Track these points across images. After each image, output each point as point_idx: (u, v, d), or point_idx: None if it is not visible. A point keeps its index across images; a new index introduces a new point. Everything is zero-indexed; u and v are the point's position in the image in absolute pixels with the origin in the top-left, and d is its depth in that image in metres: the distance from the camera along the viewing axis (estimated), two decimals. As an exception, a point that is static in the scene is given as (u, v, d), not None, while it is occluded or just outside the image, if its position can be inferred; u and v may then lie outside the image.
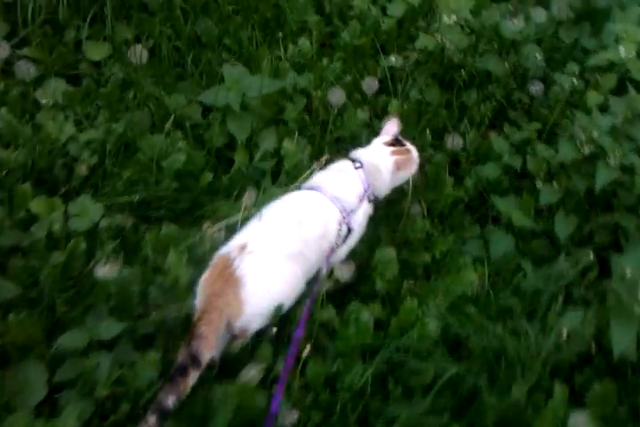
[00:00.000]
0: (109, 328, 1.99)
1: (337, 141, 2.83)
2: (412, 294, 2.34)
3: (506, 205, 2.57)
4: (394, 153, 2.48)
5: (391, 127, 2.61)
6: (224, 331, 1.87)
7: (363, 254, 2.43)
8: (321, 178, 2.38)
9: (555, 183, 2.55)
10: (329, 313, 2.16)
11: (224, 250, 2.03)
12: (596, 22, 3.18)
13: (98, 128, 2.61)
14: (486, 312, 2.37)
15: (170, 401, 1.70)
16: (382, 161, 2.45)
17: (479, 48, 3.06)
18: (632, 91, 2.53)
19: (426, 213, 2.67)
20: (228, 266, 1.95)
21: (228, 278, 1.92)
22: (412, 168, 2.54)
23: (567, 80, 2.98)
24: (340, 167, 2.43)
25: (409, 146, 2.57)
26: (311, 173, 2.43)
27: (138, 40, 2.95)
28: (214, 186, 2.57)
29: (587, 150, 2.38)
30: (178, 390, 1.72)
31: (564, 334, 2.15)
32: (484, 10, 3.24)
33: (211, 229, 2.22)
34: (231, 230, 2.24)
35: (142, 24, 2.98)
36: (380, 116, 3.08)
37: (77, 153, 2.57)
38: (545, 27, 3.17)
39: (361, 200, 2.34)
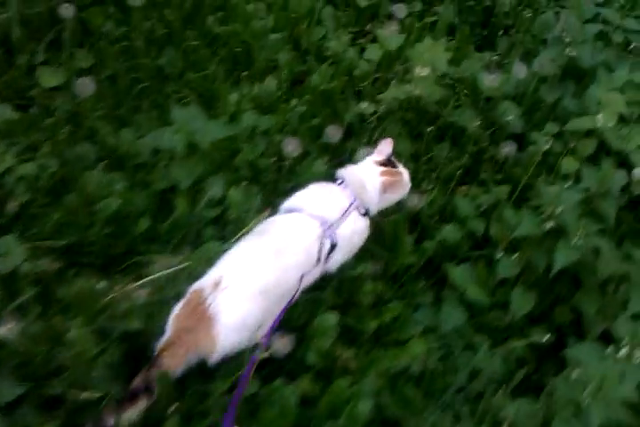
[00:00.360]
0: (9, 390, 1.86)
1: (292, 190, 2.66)
2: (349, 367, 2.17)
3: (461, 277, 2.41)
4: (383, 173, 2.42)
5: (385, 147, 2.53)
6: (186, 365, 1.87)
7: (300, 319, 2.25)
8: (300, 198, 2.32)
9: (516, 255, 2.37)
10: (253, 388, 1.99)
11: (199, 284, 1.99)
12: (582, 81, 3.03)
13: (35, 162, 2.44)
14: (429, 392, 2.20)
15: (110, 422, 1.71)
16: (370, 180, 2.39)
17: (454, 101, 2.90)
18: (607, 163, 2.36)
19: (379, 275, 2.50)
20: (201, 302, 1.92)
21: (201, 316, 1.90)
22: (401, 192, 2.48)
23: (544, 141, 2.82)
24: (321, 185, 2.38)
25: (401, 169, 2.50)
26: (255, 225, 2.27)
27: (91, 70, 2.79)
28: (153, 232, 2.40)
29: (548, 226, 2.21)
30: (122, 413, 1.73)
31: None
32: (466, 59, 3.11)
33: (132, 287, 2.06)
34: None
35: (101, 52, 2.83)
36: (344, 165, 2.93)
37: (12, 187, 2.41)
38: (527, 82, 3.03)
39: (346, 213, 2.27)
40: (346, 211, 2.28)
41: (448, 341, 2.37)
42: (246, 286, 1.98)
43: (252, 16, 3.15)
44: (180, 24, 3.03)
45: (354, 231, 2.31)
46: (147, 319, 2.09)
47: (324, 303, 2.34)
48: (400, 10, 3.20)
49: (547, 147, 2.74)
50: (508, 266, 2.38)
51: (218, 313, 1.90)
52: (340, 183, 2.37)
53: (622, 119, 2.81)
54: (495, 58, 3.31)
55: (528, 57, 3.31)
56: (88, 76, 2.49)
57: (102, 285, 2.15)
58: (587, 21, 3.16)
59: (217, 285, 1.94)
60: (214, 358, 1.92)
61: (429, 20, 3.36)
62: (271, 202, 2.52)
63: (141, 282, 2.11)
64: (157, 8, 3.00)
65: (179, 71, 2.94)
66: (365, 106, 2.99)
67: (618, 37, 2.94)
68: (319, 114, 2.94)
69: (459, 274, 2.41)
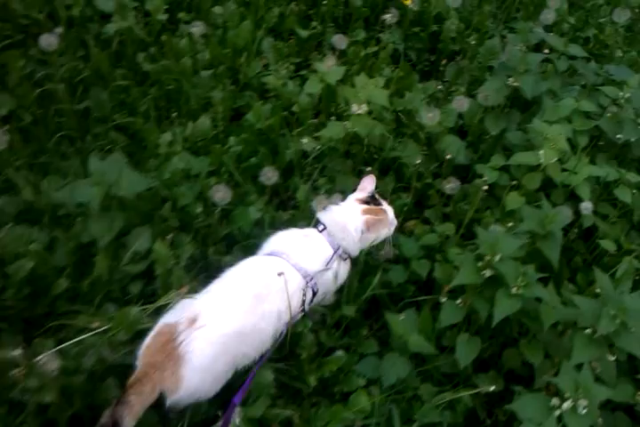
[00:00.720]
0: None
1: (225, 238, 2.54)
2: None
3: (403, 326, 2.28)
4: (366, 212, 2.33)
5: (368, 184, 2.44)
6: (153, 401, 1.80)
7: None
8: (284, 243, 2.25)
9: (459, 300, 2.25)
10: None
11: (172, 317, 1.93)
12: (528, 111, 2.94)
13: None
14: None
15: None
16: (351, 220, 2.30)
17: (394, 136, 2.79)
18: (546, 204, 2.26)
19: (319, 323, 2.41)
20: (172, 339, 1.85)
21: (170, 353, 1.84)
22: (385, 231, 2.38)
23: (491, 174, 2.73)
24: (304, 232, 2.31)
25: (385, 206, 2.41)
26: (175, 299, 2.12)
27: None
28: (73, 292, 2.26)
29: (487, 274, 2.09)
30: None
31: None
32: (409, 91, 3.01)
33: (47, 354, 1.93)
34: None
35: (22, 97, 2.69)
36: (285, 204, 2.82)
37: None
38: (472, 114, 2.93)
39: (329, 263, 2.23)
40: (329, 261, 2.23)
41: (393, 392, 2.25)
42: (222, 328, 1.92)
43: (185, 51, 3.02)
44: (108, 63, 2.89)
45: (335, 277, 2.27)
46: (63, 390, 1.96)
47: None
48: (340, 41, 3.09)
49: (495, 179, 2.64)
50: (451, 312, 2.26)
51: (188, 353, 1.84)
52: (322, 229, 2.30)
53: (572, 147, 2.74)
54: (440, 87, 3.20)
55: (475, 85, 3.24)
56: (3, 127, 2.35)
57: (17, 353, 2.01)
58: (534, 46, 3.08)
59: (193, 321, 1.88)
60: (174, 399, 1.85)
61: (372, 49, 3.26)
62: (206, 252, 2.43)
63: (57, 348, 1.96)
64: (83, 47, 2.87)
65: (106, 113, 2.80)
66: (306, 142, 2.87)
67: (562, 65, 2.85)
68: (257, 153, 2.81)
69: (400, 323, 2.28)
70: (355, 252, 2.34)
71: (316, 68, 2.86)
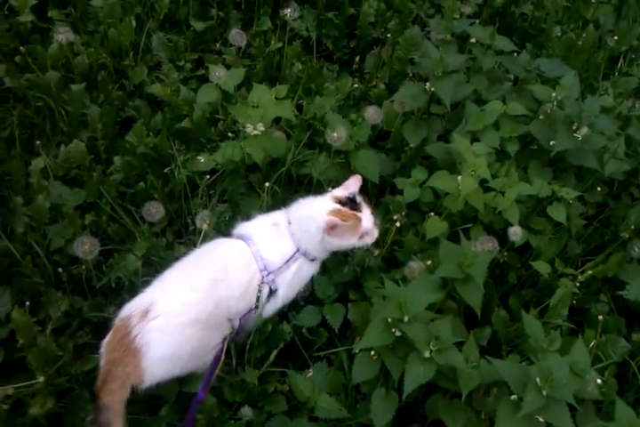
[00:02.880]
0: None
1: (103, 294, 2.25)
2: None
3: (310, 387, 2.04)
4: (333, 213, 2.09)
5: (352, 184, 2.20)
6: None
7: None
8: (254, 226, 2.17)
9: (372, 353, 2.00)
10: None
11: (126, 311, 1.91)
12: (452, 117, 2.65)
13: None
14: None
15: None
16: (314, 218, 2.10)
17: (300, 152, 2.48)
18: (465, 242, 1.99)
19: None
20: (127, 333, 1.85)
21: (128, 347, 1.84)
22: (352, 240, 2.14)
23: (411, 192, 2.45)
24: (276, 219, 2.18)
25: (362, 213, 2.15)
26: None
27: None
28: None
29: (397, 333, 1.84)
30: None
31: None
32: (319, 96, 2.69)
33: None
34: None
35: None
36: (183, 234, 2.51)
37: None
38: (391, 119, 2.63)
39: (289, 261, 2.11)
40: (289, 260, 2.11)
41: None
42: (178, 316, 1.90)
43: (55, 59, 2.63)
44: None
45: (296, 278, 2.16)
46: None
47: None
48: (239, 37, 2.71)
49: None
50: (365, 366, 2.00)
51: (145, 345, 1.84)
52: (289, 222, 2.15)
53: (501, 154, 2.47)
54: (357, 86, 2.87)
55: (398, 78, 2.92)
56: None
57: None
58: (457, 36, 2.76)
59: (145, 313, 1.86)
60: (145, 387, 1.88)
61: (277, 46, 2.91)
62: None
63: None
64: None
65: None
66: (202, 161, 2.54)
67: (488, 62, 2.53)
68: (144, 177, 2.49)
69: (306, 383, 2.03)
70: (318, 254, 2.18)
71: (209, 75, 2.50)
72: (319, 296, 2.31)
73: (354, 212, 2.13)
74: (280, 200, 2.44)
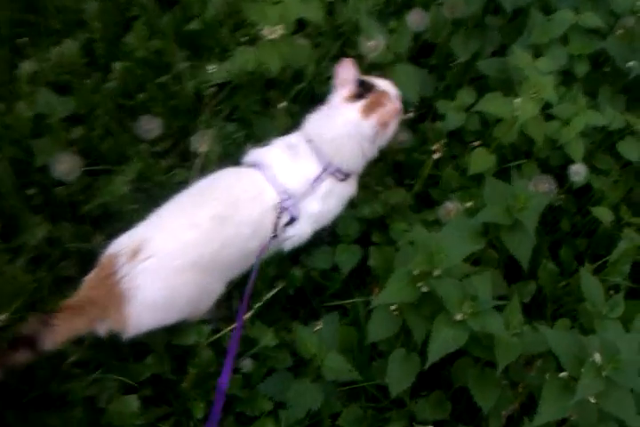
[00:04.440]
0: None
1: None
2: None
3: (317, 343, 1.73)
4: (366, 110, 1.81)
5: (346, 73, 1.88)
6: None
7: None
8: (266, 151, 1.86)
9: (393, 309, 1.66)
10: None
11: (114, 247, 1.65)
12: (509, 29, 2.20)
13: None
14: None
15: None
16: (350, 130, 1.82)
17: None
18: (517, 180, 1.61)
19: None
20: (113, 273, 1.59)
21: (111, 289, 1.59)
22: (396, 120, 1.88)
23: (455, 117, 2.06)
24: (291, 141, 1.87)
25: (380, 84, 1.88)
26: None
27: None
28: None
29: (425, 289, 1.50)
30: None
31: None
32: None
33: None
34: None
35: None
36: (186, 155, 2.15)
37: None
38: (438, 28, 2.19)
39: (315, 184, 1.81)
40: (314, 183, 1.81)
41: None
42: (174, 257, 1.63)
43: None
44: None
45: (330, 201, 1.85)
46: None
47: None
48: None
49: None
50: (383, 322, 1.67)
51: (133, 288, 1.58)
52: (309, 141, 1.84)
53: (566, 76, 2.04)
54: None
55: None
56: None
57: None
58: None
59: (136, 252, 1.60)
60: (127, 336, 1.64)
61: None
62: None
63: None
64: None
65: None
66: (213, 70, 2.15)
67: None
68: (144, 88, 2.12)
69: (312, 339, 1.72)
70: (357, 168, 1.89)
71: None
72: (339, 233, 1.96)
73: (375, 93, 1.84)
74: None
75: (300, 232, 1.85)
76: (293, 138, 1.89)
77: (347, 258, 1.90)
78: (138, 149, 2.04)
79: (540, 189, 1.71)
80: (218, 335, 1.82)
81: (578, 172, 1.83)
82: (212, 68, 2.16)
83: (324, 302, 1.95)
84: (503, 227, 1.61)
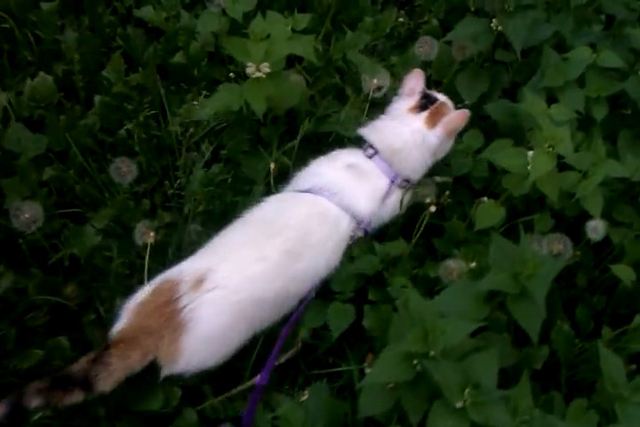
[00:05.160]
0: None
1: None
2: None
3: (302, 417, 1.56)
4: (430, 120, 1.84)
5: (415, 83, 1.89)
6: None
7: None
8: (326, 176, 1.78)
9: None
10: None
11: (174, 272, 1.58)
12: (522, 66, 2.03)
13: None
14: None
15: (33, 403, 1.41)
16: (417, 139, 1.83)
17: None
18: (526, 242, 1.43)
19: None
20: (172, 300, 1.52)
21: (169, 318, 1.51)
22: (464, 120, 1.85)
23: (462, 162, 1.89)
24: (350, 161, 1.82)
25: (440, 97, 1.91)
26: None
27: None
28: None
29: (420, 368, 1.31)
30: (48, 399, 1.42)
31: None
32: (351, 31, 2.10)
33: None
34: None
35: None
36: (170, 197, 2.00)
37: None
38: (443, 65, 2.03)
39: (385, 198, 1.81)
40: (386, 195, 1.81)
41: None
42: (238, 291, 1.56)
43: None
44: None
45: (394, 208, 1.86)
46: None
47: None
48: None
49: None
50: (376, 398, 1.48)
51: (193, 320, 1.51)
52: (371, 155, 1.83)
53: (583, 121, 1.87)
54: (402, 20, 2.26)
55: (455, 14, 2.30)
56: None
57: None
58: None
59: (200, 281, 1.53)
60: (171, 371, 1.54)
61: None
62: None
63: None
64: None
65: None
66: (200, 107, 2.00)
67: None
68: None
69: (297, 412, 1.54)
70: (421, 174, 1.89)
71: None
72: (333, 289, 1.78)
73: (437, 105, 1.87)
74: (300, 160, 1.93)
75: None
76: (346, 155, 1.85)
77: (339, 319, 1.71)
78: (115, 190, 1.89)
79: (552, 249, 1.54)
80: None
81: (595, 228, 1.65)
82: (197, 103, 2.03)
83: (314, 364, 1.78)
84: (510, 295, 1.43)
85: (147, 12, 2.13)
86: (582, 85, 1.87)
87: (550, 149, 1.53)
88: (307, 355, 1.79)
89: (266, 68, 1.73)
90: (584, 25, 1.96)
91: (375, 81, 1.84)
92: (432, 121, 1.83)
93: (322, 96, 2.06)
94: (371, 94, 1.86)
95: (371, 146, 1.84)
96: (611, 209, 1.88)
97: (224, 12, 1.95)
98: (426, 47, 1.94)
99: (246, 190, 1.95)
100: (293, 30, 1.86)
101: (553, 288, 1.76)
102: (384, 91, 1.87)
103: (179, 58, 2.04)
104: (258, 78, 1.73)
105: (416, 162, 1.85)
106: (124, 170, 1.76)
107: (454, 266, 1.62)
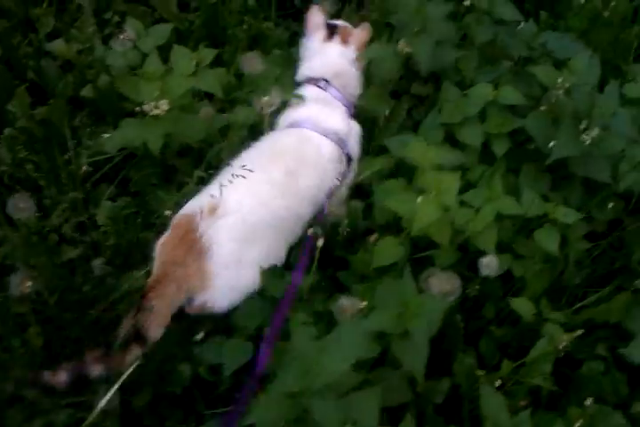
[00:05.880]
0: None
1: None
2: None
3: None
4: (343, 41, 2.13)
5: (317, 18, 2.18)
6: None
7: None
8: (299, 113, 2.01)
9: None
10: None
11: (188, 208, 1.73)
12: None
13: None
14: None
15: (94, 370, 1.49)
16: (344, 60, 2.11)
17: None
18: (410, 282, 1.45)
19: None
20: (191, 230, 1.66)
21: (192, 246, 1.65)
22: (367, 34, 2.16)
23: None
24: (312, 95, 2.05)
25: (339, 23, 2.20)
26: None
27: None
28: None
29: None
30: (109, 363, 1.51)
31: None
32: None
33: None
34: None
35: None
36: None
37: None
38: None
39: (348, 121, 2.05)
40: (349, 122, 2.04)
41: None
42: (249, 214, 1.71)
43: None
44: None
45: (357, 145, 2.06)
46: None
47: None
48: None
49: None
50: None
51: (212, 245, 1.64)
52: (324, 86, 2.06)
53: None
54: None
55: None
56: None
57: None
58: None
59: (213, 210, 1.67)
60: (204, 300, 1.66)
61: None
62: None
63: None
64: None
65: None
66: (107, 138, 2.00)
67: (484, 33, 1.92)
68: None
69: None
70: (357, 95, 2.14)
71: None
72: (235, 323, 1.78)
73: (341, 29, 2.15)
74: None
75: (353, 173, 2.02)
76: (308, 92, 2.05)
77: (234, 356, 1.70)
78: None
79: (443, 289, 1.55)
80: None
81: (489, 265, 1.67)
82: (107, 136, 2.02)
83: (212, 402, 1.76)
84: (394, 335, 1.45)
85: (58, 45, 2.12)
86: (483, 120, 1.91)
87: (436, 198, 1.55)
88: (207, 393, 1.79)
89: (164, 105, 1.73)
90: (489, 62, 1.99)
91: (265, 98, 1.87)
92: (345, 41, 2.11)
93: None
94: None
95: (322, 79, 2.06)
96: (512, 241, 1.91)
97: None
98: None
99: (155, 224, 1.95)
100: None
101: (454, 320, 1.80)
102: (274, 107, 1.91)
103: (86, 91, 2.03)
104: (156, 115, 1.73)
105: (355, 79, 2.11)
106: (21, 206, 1.74)
107: (347, 304, 1.62)
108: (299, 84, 2.11)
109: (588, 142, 1.77)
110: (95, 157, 2.02)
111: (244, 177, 1.72)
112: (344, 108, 2.05)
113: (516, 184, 1.95)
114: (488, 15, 1.99)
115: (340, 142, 1.97)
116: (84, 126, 2.10)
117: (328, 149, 1.93)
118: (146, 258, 1.77)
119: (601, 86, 2.06)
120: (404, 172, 1.84)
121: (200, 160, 1.98)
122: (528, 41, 2.00)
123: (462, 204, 1.75)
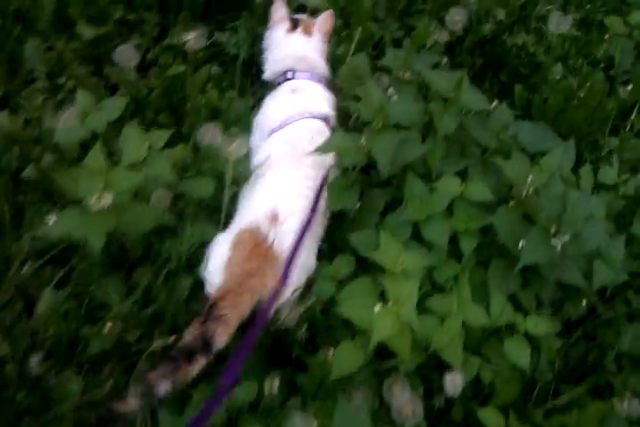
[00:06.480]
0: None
1: None
2: None
3: None
4: (306, 31, 2.28)
5: (281, 11, 2.33)
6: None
7: None
8: (278, 108, 2.09)
9: None
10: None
11: (246, 223, 1.77)
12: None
13: None
14: None
15: (163, 387, 1.47)
16: (306, 47, 2.26)
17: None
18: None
19: None
20: (260, 242, 1.72)
21: (265, 256, 1.71)
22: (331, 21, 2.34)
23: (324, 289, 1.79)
24: (287, 88, 2.17)
25: (302, 16, 2.37)
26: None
27: None
28: None
29: None
30: (176, 377, 1.50)
31: None
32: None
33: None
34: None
35: None
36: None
37: None
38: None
39: (326, 94, 2.19)
40: (325, 94, 2.18)
41: None
42: (305, 211, 1.81)
43: None
44: None
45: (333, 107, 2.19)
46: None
47: None
48: (127, 54, 2.04)
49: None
50: None
51: (283, 252, 1.72)
52: (293, 74, 2.19)
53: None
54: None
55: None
56: None
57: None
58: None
59: (275, 218, 1.75)
60: (283, 301, 1.72)
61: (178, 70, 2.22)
62: None
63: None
64: None
65: None
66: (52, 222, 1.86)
67: (449, 124, 1.82)
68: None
69: None
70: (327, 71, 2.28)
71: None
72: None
73: (303, 21, 2.31)
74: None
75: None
76: (283, 87, 2.16)
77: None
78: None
79: (404, 411, 1.44)
80: None
81: (453, 381, 1.56)
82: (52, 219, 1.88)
83: None
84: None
85: (2, 117, 1.98)
86: (449, 215, 1.81)
87: (394, 308, 1.44)
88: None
89: (107, 199, 1.60)
90: (455, 152, 1.89)
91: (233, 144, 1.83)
92: (308, 31, 2.26)
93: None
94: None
95: (288, 70, 2.18)
96: (480, 346, 1.81)
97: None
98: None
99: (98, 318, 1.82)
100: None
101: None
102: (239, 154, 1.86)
103: (28, 172, 1.90)
104: (99, 210, 1.60)
105: (322, 64, 2.25)
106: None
107: (300, 424, 1.51)
108: (266, 85, 2.24)
109: (558, 247, 1.68)
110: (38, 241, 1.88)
111: (279, 180, 1.83)
112: (320, 86, 2.18)
113: (484, 281, 1.85)
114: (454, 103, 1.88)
115: (328, 122, 2.08)
116: (29, 204, 1.97)
117: (327, 132, 2.02)
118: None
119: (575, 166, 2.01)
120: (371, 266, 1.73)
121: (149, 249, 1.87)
122: (498, 132, 1.90)
123: (426, 311, 1.65)
